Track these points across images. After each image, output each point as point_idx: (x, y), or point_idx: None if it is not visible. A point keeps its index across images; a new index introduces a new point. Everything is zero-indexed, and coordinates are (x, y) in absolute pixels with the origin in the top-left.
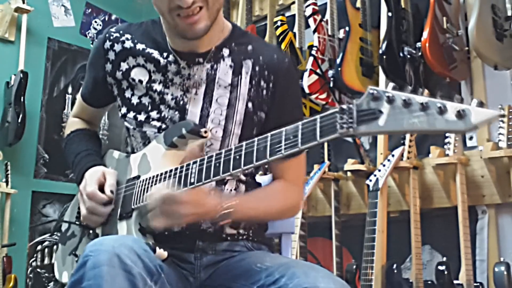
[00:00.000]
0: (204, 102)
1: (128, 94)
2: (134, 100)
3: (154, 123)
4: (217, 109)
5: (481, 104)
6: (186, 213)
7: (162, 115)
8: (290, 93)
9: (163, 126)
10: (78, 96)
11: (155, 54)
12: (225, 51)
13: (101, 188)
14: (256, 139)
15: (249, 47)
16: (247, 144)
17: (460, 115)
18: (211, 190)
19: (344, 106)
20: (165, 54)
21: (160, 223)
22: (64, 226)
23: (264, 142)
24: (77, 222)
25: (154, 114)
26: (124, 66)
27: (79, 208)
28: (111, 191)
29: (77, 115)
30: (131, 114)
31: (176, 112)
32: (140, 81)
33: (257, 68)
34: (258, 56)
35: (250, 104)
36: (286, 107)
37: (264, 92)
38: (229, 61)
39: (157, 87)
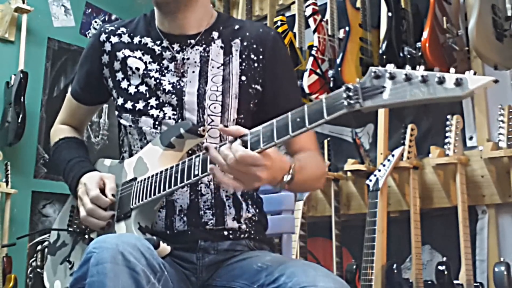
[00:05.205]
0: (200, 82)
1: (124, 85)
2: (132, 90)
3: (152, 111)
4: (212, 86)
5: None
6: (262, 176)
7: (161, 100)
8: (281, 62)
9: (160, 115)
10: (67, 98)
11: (150, 43)
12: (215, 34)
13: (101, 193)
14: (261, 126)
15: (236, 27)
16: (251, 133)
17: (458, 82)
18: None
19: (349, 85)
20: (158, 42)
21: (233, 184)
22: (53, 237)
23: (270, 126)
24: (70, 229)
25: (153, 101)
26: (120, 55)
27: (70, 216)
28: (113, 195)
29: (63, 121)
30: (128, 104)
31: (174, 96)
32: (137, 69)
33: (245, 43)
34: (245, 33)
35: (243, 77)
36: (280, 76)
37: (256, 64)
38: (219, 43)
39: (154, 74)
